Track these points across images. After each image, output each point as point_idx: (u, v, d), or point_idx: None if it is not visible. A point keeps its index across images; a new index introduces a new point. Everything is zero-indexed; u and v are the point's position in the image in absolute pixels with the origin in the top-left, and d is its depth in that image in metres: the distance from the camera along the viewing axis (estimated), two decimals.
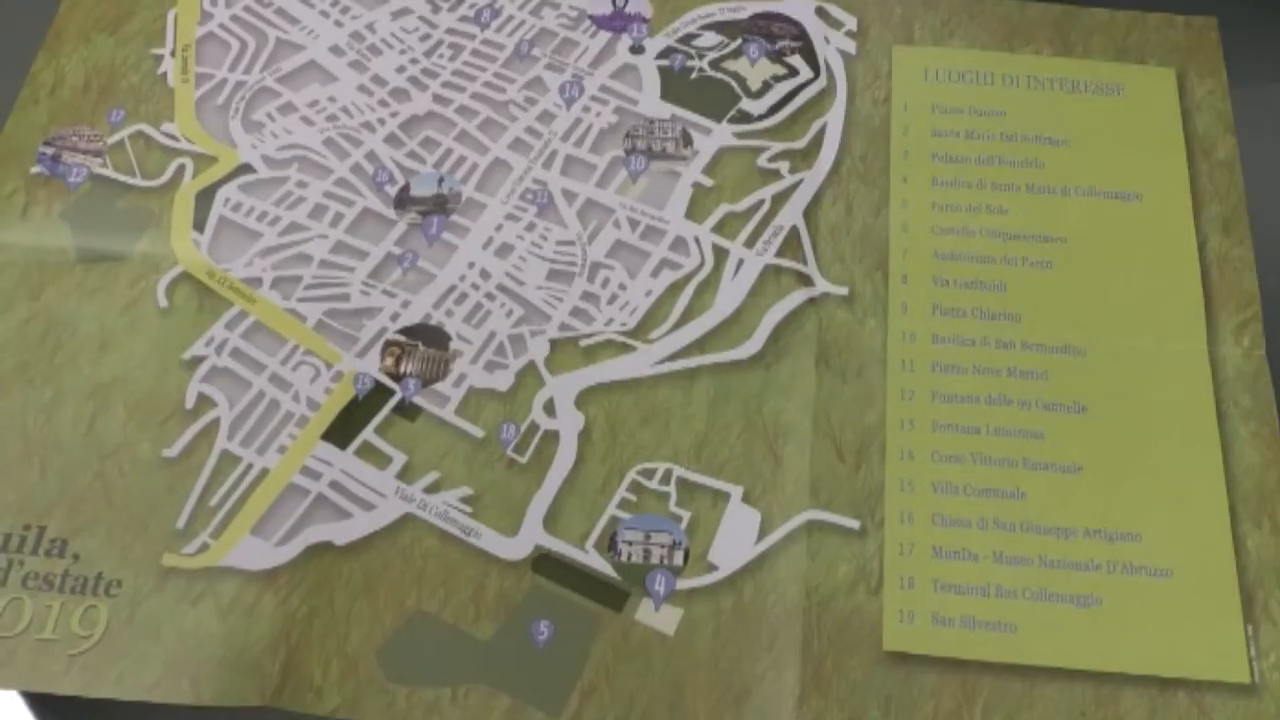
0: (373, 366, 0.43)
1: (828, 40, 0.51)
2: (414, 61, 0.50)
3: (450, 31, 0.51)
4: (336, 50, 0.50)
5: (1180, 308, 0.46)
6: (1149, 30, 0.50)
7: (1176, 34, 0.51)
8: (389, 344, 0.44)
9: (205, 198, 0.47)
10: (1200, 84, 0.49)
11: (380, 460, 0.42)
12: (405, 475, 0.42)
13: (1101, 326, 0.46)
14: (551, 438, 0.43)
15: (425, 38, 0.50)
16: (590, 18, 0.51)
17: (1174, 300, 0.47)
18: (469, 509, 0.41)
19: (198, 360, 0.44)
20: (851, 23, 0.51)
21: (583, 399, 0.44)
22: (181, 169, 0.47)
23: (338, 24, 0.50)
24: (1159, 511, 0.43)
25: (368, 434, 0.43)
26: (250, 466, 0.42)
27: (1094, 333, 0.46)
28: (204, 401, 0.43)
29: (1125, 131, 0.50)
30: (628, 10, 0.51)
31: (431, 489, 0.42)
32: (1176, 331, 0.46)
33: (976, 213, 0.48)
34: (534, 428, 0.43)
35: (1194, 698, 0.38)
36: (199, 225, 0.46)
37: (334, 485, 0.41)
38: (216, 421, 0.42)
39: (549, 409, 0.43)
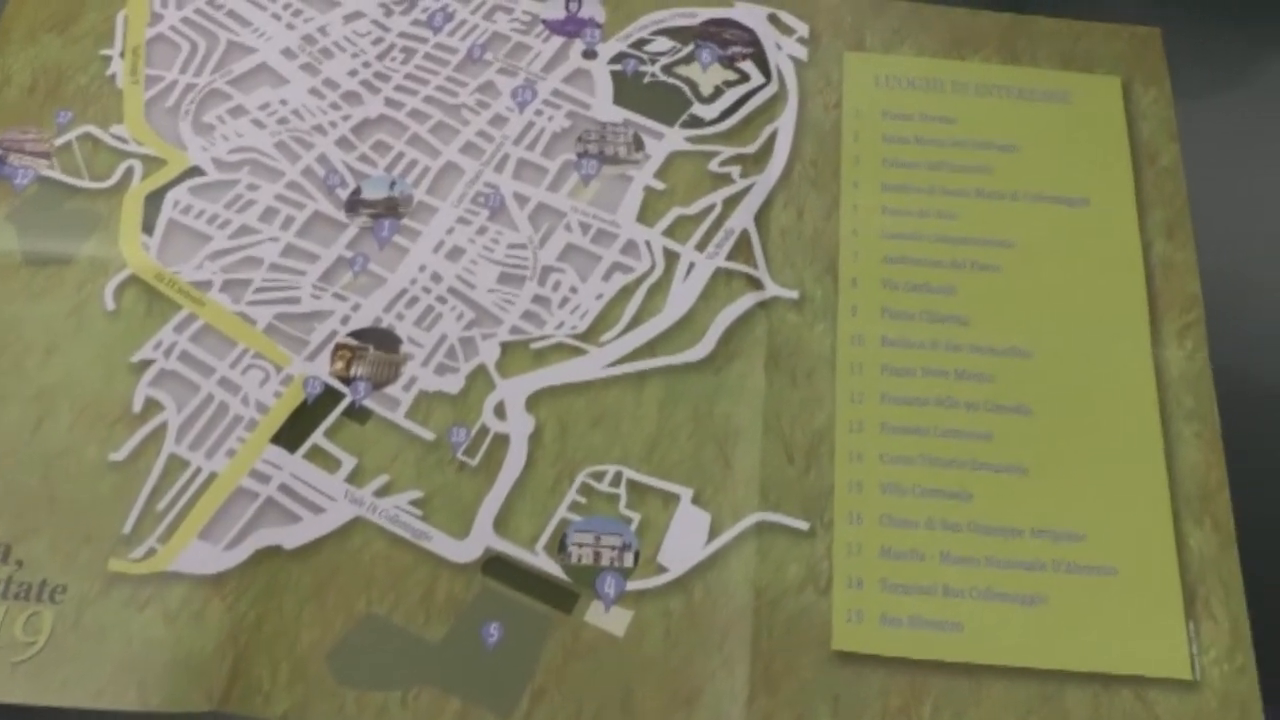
0: (323, 370, 0.44)
1: (779, 46, 0.52)
2: (366, 65, 0.50)
3: (403, 35, 0.51)
4: (288, 53, 0.50)
5: (1125, 311, 0.47)
6: (1095, 39, 0.51)
7: (1122, 43, 0.52)
8: (339, 347, 0.44)
9: (154, 200, 0.47)
10: (1145, 92, 0.50)
11: (330, 463, 0.42)
12: (355, 478, 0.42)
13: (1048, 329, 0.47)
14: (502, 440, 0.43)
15: (378, 41, 0.51)
16: (543, 22, 0.51)
17: (1119, 304, 0.47)
18: (419, 512, 0.42)
19: (146, 363, 0.44)
20: (803, 29, 0.52)
21: (533, 402, 0.44)
22: (130, 171, 0.47)
23: (289, 27, 0.51)
24: (1103, 511, 0.43)
25: (317, 437, 0.43)
26: (198, 470, 0.42)
27: (1040, 335, 0.47)
28: (152, 405, 0.43)
29: (1072, 138, 0.51)
30: (581, 15, 0.52)
31: (381, 492, 0.42)
32: (1121, 334, 0.47)
33: (926, 217, 0.48)
34: (484, 430, 0.43)
35: (1138, 693, 0.39)
36: (148, 228, 0.46)
37: (283, 489, 0.42)
38: (164, 425, 0.43)
39: (499, 412, 0.44)
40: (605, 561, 0.41)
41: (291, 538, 0.41)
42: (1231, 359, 0.45)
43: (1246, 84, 0.52)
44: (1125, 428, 0.45)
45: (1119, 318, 0.47)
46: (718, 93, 0.50)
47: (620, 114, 0.51)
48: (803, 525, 0.42)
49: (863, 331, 0.46)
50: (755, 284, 0.47)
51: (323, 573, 0.41)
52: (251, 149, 0.48)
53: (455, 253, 0.46)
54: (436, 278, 0.46)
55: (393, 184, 0.48)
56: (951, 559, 0.41)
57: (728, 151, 0.50)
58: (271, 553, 0.41)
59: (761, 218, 0.49)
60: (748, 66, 0.51)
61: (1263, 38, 0.53)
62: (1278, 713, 0.39)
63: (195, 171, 0.48)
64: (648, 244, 0.47)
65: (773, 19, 0.52)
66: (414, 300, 0.45)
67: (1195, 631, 0.40)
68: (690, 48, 0.52)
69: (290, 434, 0.43)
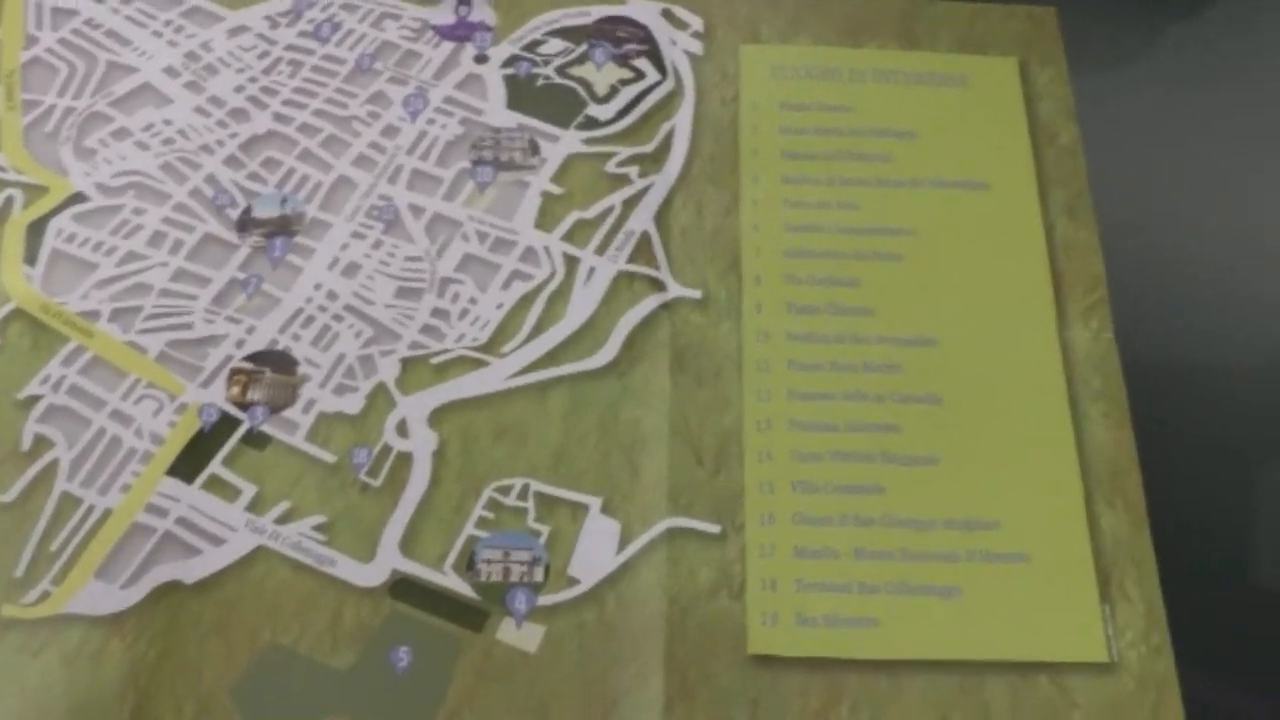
0: (218, 396, 0.43)
1: (674, 42, 0.52)
2: (252, 80, 0.49)
3: (289, 48, 0.50)
4: (171, 71, 0.49)
5: (1029, 294, 0.47)
6: (991, 21, 0.51)
7: (1018, 24, 0.51)
8: (234, 372, 0.43)
9: (36, 230, 0.46)
10: (1042, 72, 0.50)
11: (229, 493, 0.41)
12: (256, 507, 0.41)
13: (953, 316, 0.47)
14: (405, 459, 0.43)
15: (263, 55, 0.50)
16: (433, 28, 0.50)
17: (1023, 286, 0.47)
18: (323, 537, 0.41)
19: (33, 399, 0.43)
20: (698, 23, 0.51)
21: (436, 418, 0.44)
22: (10, 200, 0.46)
23: (171, 44, 0.49)
24: (1015, 497, 0.43)
25: (215, 466, 0.42)
26: (92, 508, 0.41)
27: (946, 323, 0.47)
28: (41, 442, 0.42)
29: (971, 122, 0.51)
30: (471, 19, 0.51)
31: (283, 519, 0.41)
32: (1026, 317, 0.47)
33: (827, 209, 0.48)
34: (387, 450, 0.43)
35: (1055, 680, 0.39)
36: (30, 259, 0.45)
37: (181, 522, 0.41)
38: (55, 462, 0.42)
39: (401, 430, 0.43)
40: (515, 577, 0.40)
41: (191, 571, 0.40)
42: (1136, 337, 0.45)
43: (1141, 59, 0.52)
44: (1034, 412, 0.45)
45: (1024, 301, 0.47)
46: (613, 92, 0.50)
47: (515, 118, 0.51)
48: (714, 529, 0.41)
49: (768, 328, 0.46)
50: (657, 285, 0.46)
51: (225, 606, 0.40)
52: (136, 172, 0.47)
53: (351, 269, 0.45)
54: (332, 295, 0.45)
55: (284, 201, 0.46)
56: (865, 555, 0.41)
57: (625, 151, 0.49)
58: (171, 588, 0.40)
59: (661, 217, 0.49)
60: (643, 64, 0.51)
61: (1156, 12, 0.53)
62: (1198, 691, 0.39)
63: (78, 198, 0.46)
64: (547, 250, 0.47)
65: (667, 14, 0.51)
66: (310, 320, 0.44)
67: (1110, 614, 0.40)
68: (584, 47, 0.51)
69: (187, 464, 0.42)
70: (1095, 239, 0.48)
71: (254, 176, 0.48)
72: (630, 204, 0.49)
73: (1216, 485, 0.44)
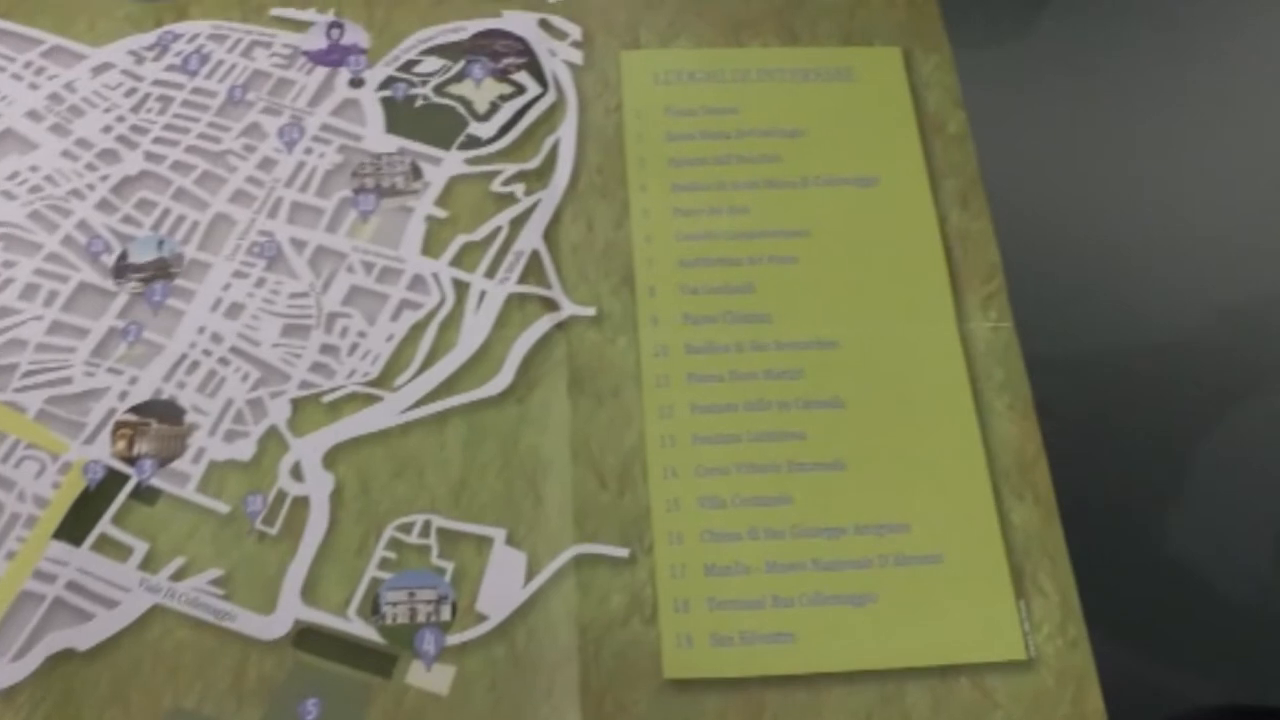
0: (103, 452, 0.41)
1: (553, 53, 0.51)
2: (121, 119, 0.47)
3: (157, 83, 0.48)
4: (34, 115, 0.47)
5: (927, 288, 0.47)
6: (873, 10, 0.51)
7: (899, 12, 0.51)
8: (119, 426, 0.42)
9: None
10: (926, 60, 0.50)
11: (120, 552, 0.40)
12: (149, 564, 0.40)
13: (852, 316, 0.46)
14: (301, 504, 0.42)
15: (131, 92, 0.48)
16: (305, 54, 0.49)
17: (920, 281, 0.47)
18: (221, 591, 0.39)
19: None
20: (576, 32, 0.50)
21: (331, 458, 0.43)
22: None
23: (33, 86, 0.48)
24: (925, 498, 0.43)
25: (104, 526, 0.40)
26: None
27: (845, 324, 0.46)
28: None
29: (858, 116, 0.50)
30: (344, 42, 0.49)
31: (178, 575, 0.40)
32: (925, 312, 0.46)
33: (718, 214, 0.47)
34: (282, 495, 0.41)
35: (975, 681, 0.39)
36: None
37: (71, 586, 0.39)
38: None
39: (296, 473, 0.42)
40: (422, 617, 0.39)
41: (85, 638, 0.39)
42: (1036, 325, 0.44)
43: (1024, 40, 0.51)
44: (939, 408, 0.45)
45: (921, 295, 0.47)
46: (494, 108, 0.49)
47: (394, 142, 0.49)
48: (622, 553, 0.40)
49: (666, 342, 0.45)
50: (551, 305, 0.46)
51: (122, 671, 0.38)
52: (4, 223, 0.45)
53: (234, 309, 0.44)
54: (217, 338, 0.43)
55: (161, 243, 0.45)
56: (777, 568, 0.40)
57: (510, 169, 0.48)
58: (65, 657, 0.38)
59: (551, 235, 0.48)
60: (522, 77, 0.50)
61: None
62: (1120, 667, 0.38)
63: None
64: (435, 277, 0.46)
65: (544, 24, 0.50)
66: (195, 365, 0.43)
67: (1026, 610, 0.40)
68: (461, 64, 0.50)
69: (74, 526, 0.41)
70: (989, 227, 0.48)
71: (128, 220, 0.46)
72: (518, 223, 0.48)
73: (1124, 466, 0.44)
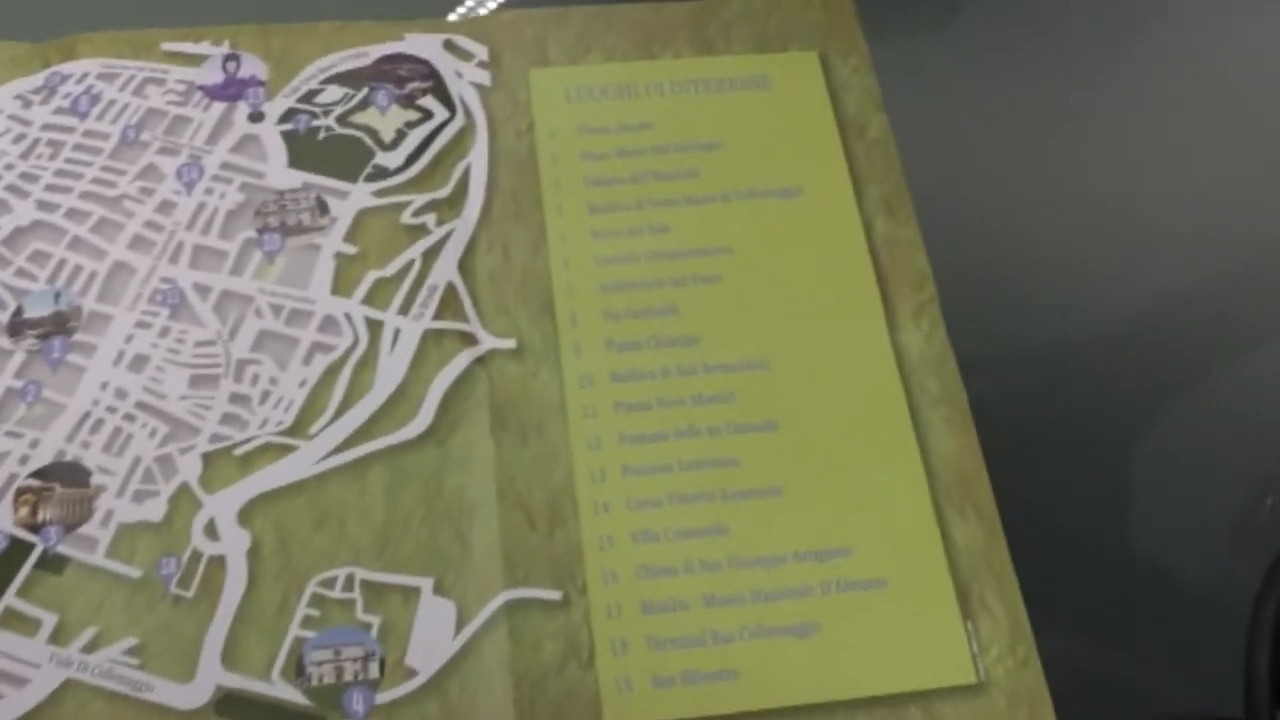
0: (5, 521, 0.39)
1: (459, 74, 0.49)
2: (9, 167, 0.45)
3: (46, 127, 0.46)
4: None
5: (856, 301, 0.46)
6: (787, 14, 0.49)
7: (814, 14, 0.50)
8: (21, 492, 0.40)
9: None
10: (844, 63, 0.49)
11: (27, 626, 0.38)
12: (59, 637, 0.38)
13: (780, 335, 0.45)
14: (218, 564, 0.40)
15: (19, 139, 0.45)
16: (201, 89, 0.47)
17: (849, 294, 0.46)
18: (136, 661, 0.37)
19: None
20: (482, 52, 0.48)
21: (247, 514, 0.41)
22: None
23: None
24: (864, 520, 0.42)
25: (9, 599, 0.39)
26: None
27: (774, 343, 0.45)
28: None
29: (777, 125, 0.49)
30: (241, 75, 0.47)
31: (90, 647, 0.38)
32: (855, 326, 0.45)
33: (638, 235, 0.46)
34: (197, 556, 0.40)
35: (925, 709, 0.38)
36: None
37: None
38: None
39: (211, 532, 0.40)
40: (349, 676, 0.37)
41: None
42: (966, 326, 0.43)
43: (944, 30, 0.50)
44: (874, 426, 0.44)
45: (850, 308, 0.46)
46: (400, 136, 0.47)
47: (298, 177, 0.48)
48: (555, 595, 0.39)
49: (590, 371, 0.44)
50: (469, 339, 0.44)
51: None
52: None
53: (138, 362, 0.42)
54: (121, 394, 0.41)
55: (58, 296, 0.43)
56: (716, 601, 0.38)
57: (420, 199, 0.46)
58: None
59: (466, 265, 0.46)
60: (429, 102, 0.48)
61: None
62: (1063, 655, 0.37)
63: None
64: (347, 317, 0.44)
65: (449, 45, 0.48)
66: (99, 424, 0.41)
67: (974, 631, 0.39)
68: (365, 91, 0.48)
69: None
70: (917, 234, 0.47)
71: (21, 273, 0.44)
72: (431, 255, 0.46)
73: (1065, 467, 0.43)
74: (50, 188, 0.46)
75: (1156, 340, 0.46)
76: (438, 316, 0.46)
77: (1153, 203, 0.48)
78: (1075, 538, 0.43)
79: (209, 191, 0.47)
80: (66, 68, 0.48)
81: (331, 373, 0.45)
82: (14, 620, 0.39)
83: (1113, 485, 0.44)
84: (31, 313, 0.44)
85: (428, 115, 0.49)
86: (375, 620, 0.40)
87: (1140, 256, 0.46)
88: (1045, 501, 0.42)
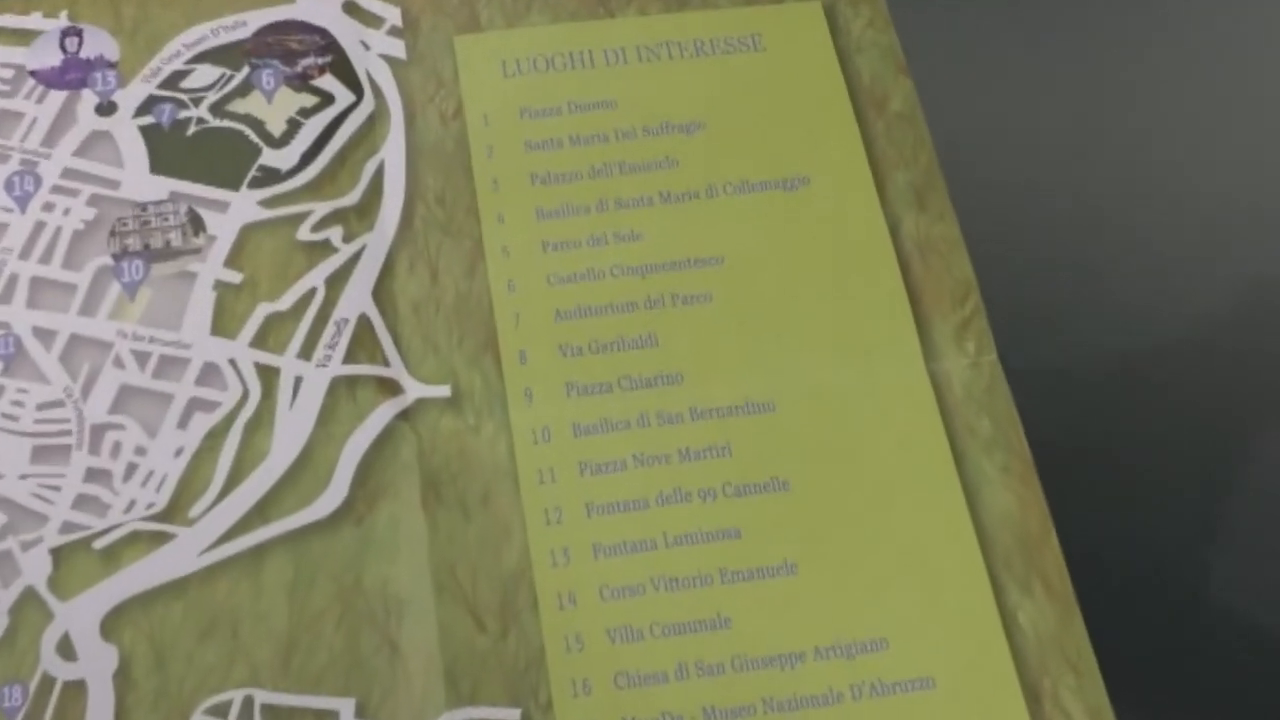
0: None
1: (366, 45, 0.50)
2: None
3: None
4: None
5: (882, 320, 0.46)
6: None
7: None
8: None
9: None
10: (855, 15, 0.50)
11: None
12: None
13: (788, 368, 0.46)
14: (76, 690, 0.41)
15: None
16: (33, 75, 0.47)
17: (872, 312, 0.47)
18: None
19: None
20: (394, 15, 0.49)
21: (112, 624, 0.42)
22: None
23: None
24: (904, 603, 0.42)
25: None
26: None
27: (780, 378, 0.46)
28: None
29: (773, 97, 0.50)
30: (84, 55, 0.47)
31: None
32: (883, 353, 0.46)
33: (601, 246, 0.47)
34: (49, 681, 0.41)
35: None
36: None
37: None
38: None
39: (65, 650, 0.42)
40: None
41: None
42: (1027, 353, 0.43)
43: None
44: (910, 480, 0.44)
45: (875, 331, 0.46)
46: (293, 128, 0.48)
47: (164, 186, 0.48)
48: (512, 715, 0.41)
49: (546, 423, 0.45)
50: (390, 388, 0.45)
51: None
52: None
53: None
54: None
55: None
56: (718, 715, 0.40)
57: (321, 209, 0.48)
58: None
59: (382, 292, 0.47)
60: (328, 83, 0.49)
61: None
62: None
63: None
64: (233, 364, 0.45)
65: (350, 8, 0.49)
66: None
67: None
68: (244, 72, 0.50)
69: None
70: (956, 231, 0.48)
71: None
72: (337, 281, 0.47)
73: (1142, 514, 0.43)
74: None
75: (1246, 348, 0.46)
76: (349, 360, 0.46)
77: (1229, 174, 0.48)
78: (1162, 603, 0.43)
79: (49, 207, 0.48)
80: None
81: (215, 437, 0.45)
82: None
83: (1202, 530, 0.44)
84: None
85: (327, 100, 0.50)
86: None
87: (1229, 253, 0.47)
88: (1117, 558, 0.42)
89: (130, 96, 0.50)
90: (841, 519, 0.44)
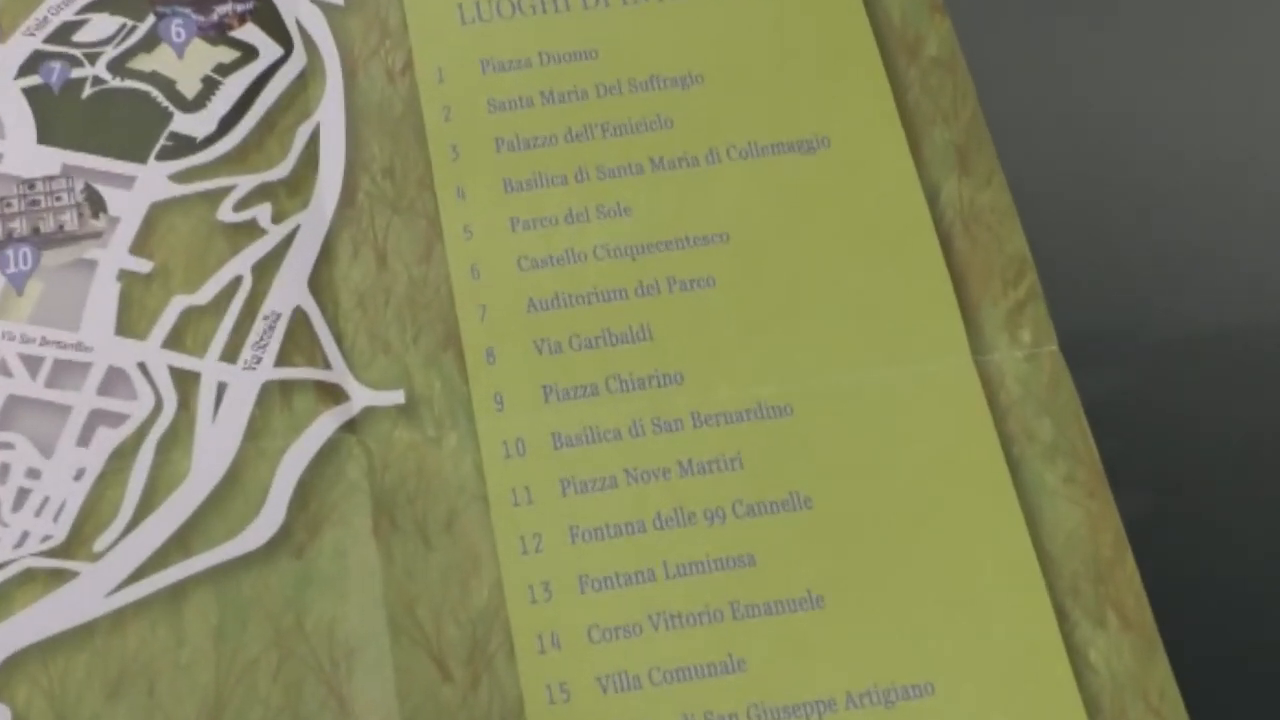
0: None
1: None
2: None
3: None
4: None
5: (919, 306, 0.48)
6: None
7: None
8: None
9: None
10: None
11: None
12: None
13: (806, 364, 0.47)
14: None
15: None
16: None
17: (907, 296, 0.48)
18: None
19: None
20: None
21: (3, 679, 0.43)
22: None
23: None
24: (951, 639, 0.43)
25: None
26: None
27: (797, 376, 0.47)
28: None
29: (784, 42, 0.51)
30: None
31: None
32: (920, 346, 0.47)
33: (582, 222, 0.48)
34: None
35: None
36: None
37: None
38: None
39: None
40: None
41: None
42: (1093, 343, 0.44)
43: None
44: (956, 493, 0.45)
45: (911, 319, 0.47)
46: (209, 88, 0.50)
47: (55, 159, 0.50)
48: None
49: (520, 433, 0.46)
50: (332, 395, 0.46)
51: None
52: None
53: None
54: None
55: None
56: None
57: (245, 183, 0.49)
58: None
59: (321, 281, 0.48)
60: (250, 33, 0.51)
61: None
62: None
63: None
64: (143, 369, 0.46)
65: None
66: None
67: None
68: (150, 22, 0.51)
69: None
70: (1007, 198, 0.49)
71: None
72: (266, 269, 0.48)
73: (1236, 545, 0.44)
74: None
75: None
76: (282, 362, 0.47)
77: None
78: (1258, 635, 0.44)
79: None
80: None
81: (123, 457, 0.46)
82: None
83: None
84: None
85: (250, 54, 0.52)
86: None
87: None
88: (1205, 583, 0.43)
89: (10, 54, 0.51)
90: (874, 541, 0.45)
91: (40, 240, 0.49)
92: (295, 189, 0.49)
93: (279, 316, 0.48)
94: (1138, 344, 0.46)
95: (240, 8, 0.52)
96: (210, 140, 0.50)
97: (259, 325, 0.48)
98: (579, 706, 0.43)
